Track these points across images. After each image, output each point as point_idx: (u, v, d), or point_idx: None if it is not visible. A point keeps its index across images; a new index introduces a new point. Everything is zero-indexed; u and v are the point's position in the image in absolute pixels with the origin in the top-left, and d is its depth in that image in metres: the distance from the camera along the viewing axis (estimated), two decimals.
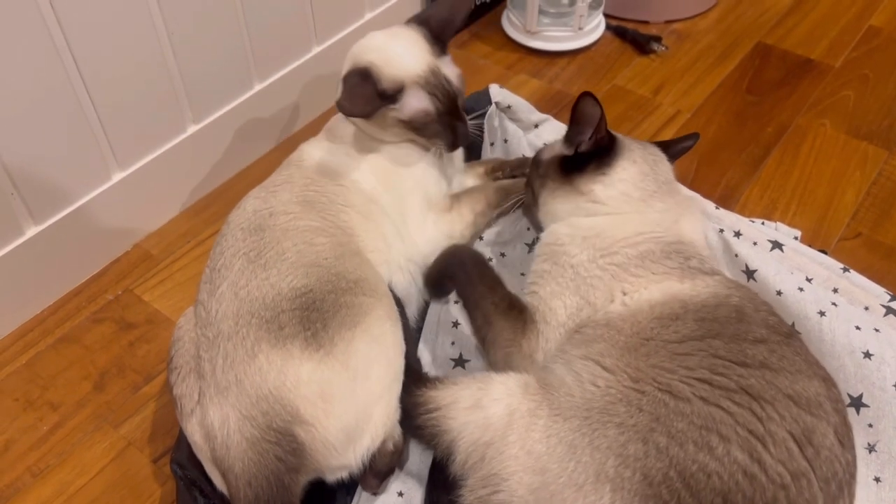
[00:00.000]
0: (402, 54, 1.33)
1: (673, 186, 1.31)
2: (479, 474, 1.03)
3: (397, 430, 1.16)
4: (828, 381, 1.04)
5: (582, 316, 1.18)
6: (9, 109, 1.36)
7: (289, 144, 1.92)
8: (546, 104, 2.01)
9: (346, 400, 1.07)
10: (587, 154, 1.28)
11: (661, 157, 1.32)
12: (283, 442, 1.04)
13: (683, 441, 0.95)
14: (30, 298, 1.56)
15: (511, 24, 2.22)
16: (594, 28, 2.19)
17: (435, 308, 1.42)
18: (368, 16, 2.00)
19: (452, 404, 1.10)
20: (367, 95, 1.28)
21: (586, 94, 1.23)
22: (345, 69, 1.35)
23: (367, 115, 1.31)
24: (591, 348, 1.10)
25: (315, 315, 1.10)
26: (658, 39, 2.18)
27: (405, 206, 1.38)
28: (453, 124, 1.37)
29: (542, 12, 2.16)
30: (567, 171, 1.29)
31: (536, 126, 1.71)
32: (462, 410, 1.09)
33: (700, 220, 1.34)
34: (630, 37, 2.21)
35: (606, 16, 2.26)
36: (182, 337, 1.20)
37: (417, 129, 1.35)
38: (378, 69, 1.30)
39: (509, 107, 1.68)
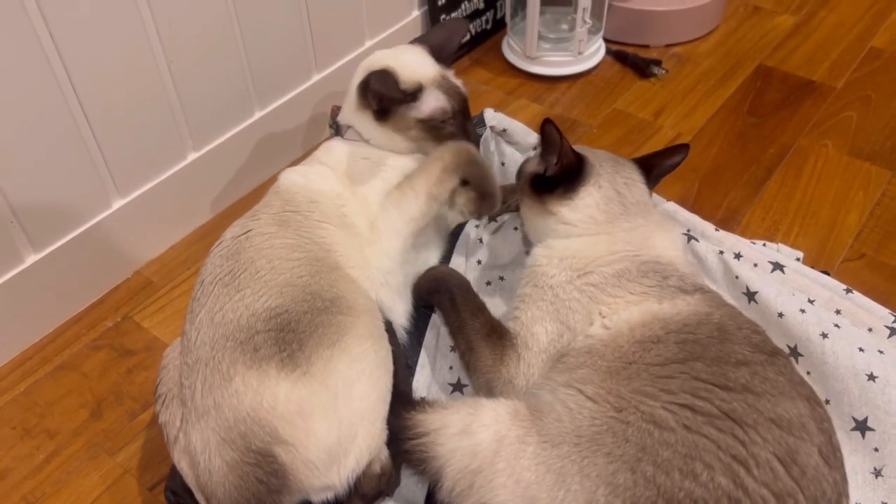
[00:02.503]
0: (415, 61, 1.40)
1: (645, 207, 1.31)
2: (469, 502, 1.02)
3: (384, 453, 1.15)
4: (812, 401, 1.02)
5: (563, 342, 1.18)
6: (9, 138, 1.37)
7: None
8: None
9: (327, 419, 1.05)
10: (556, 176, 1.29)
11: (633, 180, 1.31)
12: (264, 463, 1.03)
13: (669, 469, 0.94)
14: (29, 326, 1.57)
15: (511, 49, 2.23)
16: (594, 53, 2.20)
17: (433, 332, 1.41)
18: (368, 43, 2.01)
19: (441, 429, 1.08)
20: (393, 84, 1.32)
21: (547, 121, 1.25)
22: (358, 78, 1.39)
23: (390, 100, 1.34)
24: (573, 375, 1.09)
25: (290, 336, 1.09)
26: (658, 63, 2.18)
27: (369, 208, 1.35)
28: (465, 126, 1.41)
29: (542, 38, 2.17)
30: (538, 190, 1.31)
31: (535, 148, 1.71)
32: (450, 436, 1.07)
33: (677, 238, 1.33)
34: (630, 61, 2.21)
35: (606, 40, 2.27)
36: (167, 365, 1.20)
37: (434, 128, 1.38)
38: (395, 71, 1.34)
39: (504, 130, 1.68)
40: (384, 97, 1.34)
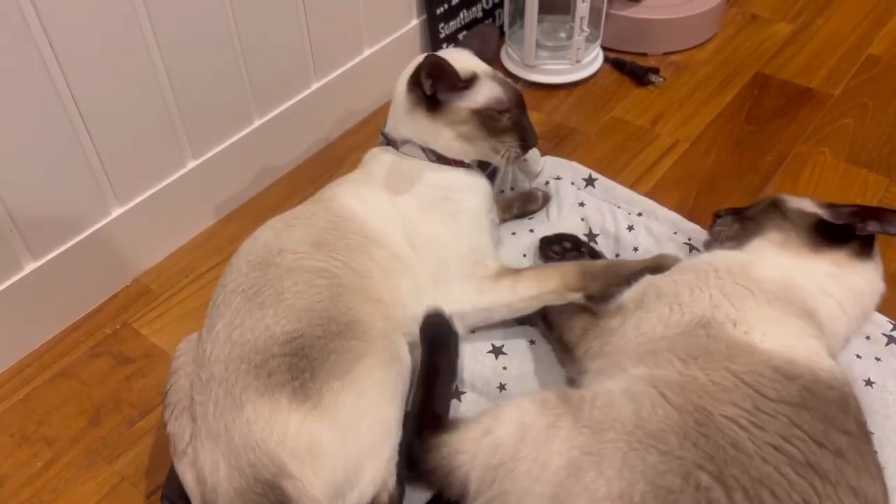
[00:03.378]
0: (465, 57, 1.39)
1: None
2: (488, 495, 1.00)
3: (391, 482, 1.12)
4: (885, 489, 0.99)
5: (710, 314, 1.12)
6: (8, 146, 1.38)
7: (289, 179, 1.94)
8: (545, 136, 2.02)
9: (335, 455, 1.04)
10: (850, 232, 1.23)
11: None
12: (271, 494, 1.01)
13: (732, 487, 0.90)
14: (28, 334, 1.57)
15: (510, 58, 2.24)
16: (592, 61, 2.21)
17: None
18: (367, 52, 2.02)
19: (463, 440, 1.06)
20: (448, 65, 1.29)
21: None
22: (406, 75, 1.37)
23: (448, 79, 1.31)
24: (662, 372, 1.06)
25: (304, 363, 1.07)
26: (656, 71, 2.19)
27: (433, 261, 1.32)
28: (522, 120, 1.37)
29: (540, 46, 2.18)
30: (820, 236, 1.24)
31: (539, 171, 1.72)
32: (471, 442, 1.05)
33: None
34: (628, 69, 2.22)
35: (604, 49, 2.28)
36: (178, 370, 1.19)
37: (490, 120, 1.34)
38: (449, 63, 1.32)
39: (525, 160, 1.69)
40: (439, 75, 1.30)
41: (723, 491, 0.90)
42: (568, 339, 1.25)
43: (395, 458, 1.13)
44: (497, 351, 1.38)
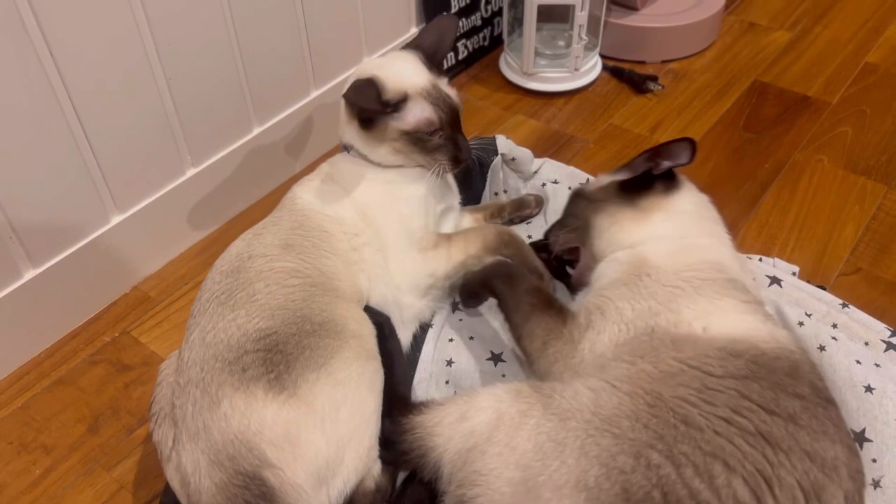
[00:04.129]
0: (404, 69, 1.38)
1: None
2: (459, 476, 1.01)
3: (376, 469, 1.15)
4: (852, 451, 0.99)
5: (652, 323, 1.13)
6: (8, 153, 1.38)
7: (288, 187, 1.93)
8: (543, 144, 2.03)
9: (314, 442, 1.05)
10: (650, 177, 1.28)
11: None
12: (252, 486, 1.02)
13: (681, 464, 0.92)
14: (27, 341, 1.57)
15: (508, 66, 2.25)
16: (591, 69, 2.21)
17: (429, 346, 1.41)
18: (366, 60, 2.03)
19: (438, 423, 1.08)
20: (371, 95, 1.30)
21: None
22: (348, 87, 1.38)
23: (369, 111, 1.33)
24: (616, 372, 1.07)
25: (278, 357, 1.09)
26: (654, 79, 2.20)
27: (386, 242, 1.37)
28: (455, 137, 1.38)
29: (538, 54, 2.19)
30: (630, 193, 1.29)
31: (535, 172, 1.73)
32: (447, 425, 1.07)
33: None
34: (627, 77, 2.23)
35: (603, 57, 2.29)
36: (161, 382, 1.21)
37: (420, 140, 1.35)
38: (381, 81, 1.32)
39: (513, 159, 1.70)
40: (362, 109, 1.34)
41: (673, 468, 0.92)
42: (527, 349, 1.24)
43: (377, 447, 1.15)
44: (496, 358, 1.39)
